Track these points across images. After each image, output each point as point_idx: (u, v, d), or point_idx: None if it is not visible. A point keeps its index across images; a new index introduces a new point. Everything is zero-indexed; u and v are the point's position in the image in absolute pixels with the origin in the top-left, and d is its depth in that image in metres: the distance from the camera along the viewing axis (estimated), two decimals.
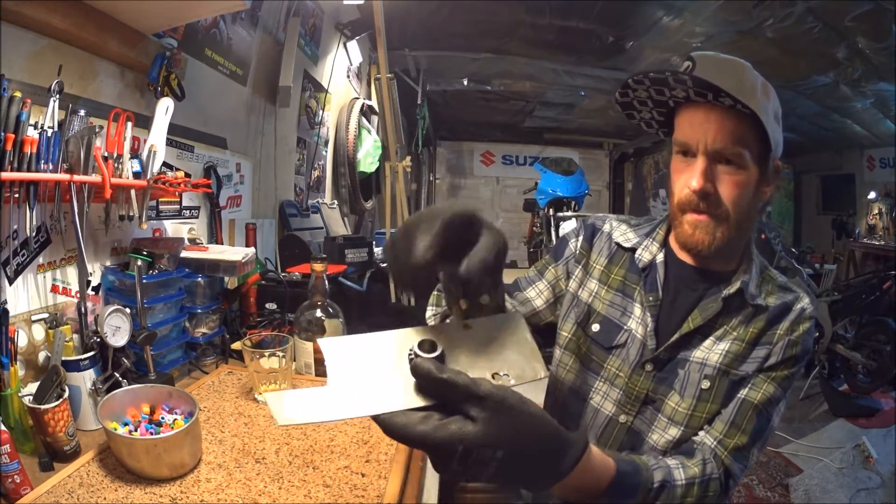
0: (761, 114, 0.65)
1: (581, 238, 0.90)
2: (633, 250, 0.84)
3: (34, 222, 0.91)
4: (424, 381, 0.39)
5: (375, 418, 0.39)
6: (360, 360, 0.41)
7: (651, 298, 0.79)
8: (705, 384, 0.74)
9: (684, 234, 0.74)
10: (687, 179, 0.71)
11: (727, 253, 0.77)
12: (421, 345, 0.41)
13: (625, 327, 0.81)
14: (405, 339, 0.42)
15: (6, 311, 0.82)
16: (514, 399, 0.41)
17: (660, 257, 0.81)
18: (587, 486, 0.53)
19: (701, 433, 0.74)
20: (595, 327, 0.83)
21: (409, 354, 0.41)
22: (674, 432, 0.75)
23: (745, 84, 0.67)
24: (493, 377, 0.43)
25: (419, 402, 0.40)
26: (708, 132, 0.69)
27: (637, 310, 0.81)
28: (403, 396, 0.40)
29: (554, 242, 4.11)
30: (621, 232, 0.87)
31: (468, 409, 0.39)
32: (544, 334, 0.91)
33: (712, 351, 0.75)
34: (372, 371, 0.41)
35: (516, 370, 0.44)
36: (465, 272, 0.43)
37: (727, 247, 0.73)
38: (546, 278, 0.92)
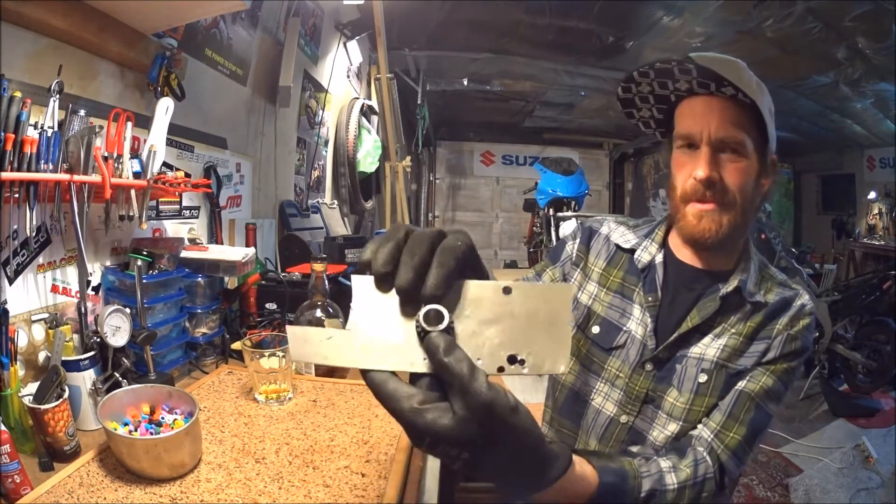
0: (759, 105, 0.67)
1: (578, 241, 0.90)
2: (632, 251, 0.84)
3: (34, 222, 0.91)
4: (430, 357, 0.38)
5: (368, 377, 0.39)
6: (384, 307, 0.39)
7: (650, 299, 0.79)
8: (702, 378, 0.74)
9: (689, 225, 0.74)
10: (692, 170, 0.72)
11: (727, 249, 0.77)
12: (427, 314, 0.38)
13: (624, 328, 0.81)
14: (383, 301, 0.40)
15: (6, 311, 0.82)
16: (502, 406, 0.38)
17: (659, 258, 0.81)
18: (568, 499, 0.50)
19: (699, 426, 0.74)
20: (595, 329, 0.83)
21: (416, 325, 0.38)
22: (673, 427, 0.76)
23: (743, 78, 0.69)
24: (509, 359, 0.39)
25: (421, 368, 0.38)
26: (711, 121, 0.70)
27: (636, 311, 0.81)
28: (409, 358, 0.38)
29: (554, 242, 4.14)
30: (620, 233, 0.87)
31: (453, 401, 0.38)
32: None
33: (710, 346, 0.75)
34: (391, 322, 0.39)
35: (537, 358, 0.39)
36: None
37: (732, 236, 0.74)
38: (543, 281, 0.92)
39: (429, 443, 0.38)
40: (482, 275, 0.42)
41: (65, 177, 0.93)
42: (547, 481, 0.45)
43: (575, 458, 0.49)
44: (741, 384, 0.74)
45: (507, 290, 0.39)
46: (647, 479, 0.63)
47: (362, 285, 0.39)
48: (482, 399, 0.37)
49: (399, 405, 0.38)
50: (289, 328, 0.40)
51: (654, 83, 0.73)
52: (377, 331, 0.39)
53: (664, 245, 0.83)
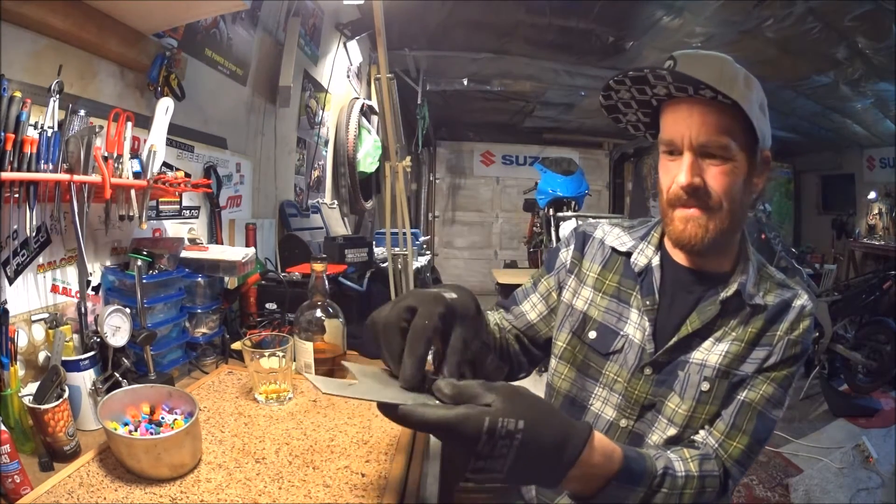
0: (743, 103, 0.65)
1: (572, 247, 0.89)
2: (628, 254, 0.84)
3: (34, 222, 0.91)
4: (442, 390, 0.49)
5: (401, 414, 0.47)
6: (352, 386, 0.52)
7: (648, 303, 0.79)
8: (705, 386, 0.74)
9: (676, 230, 0.73)
10: (674, 176, 0.71)
11: (722, 251, 0.77)
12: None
13: (621, 333, 0.80)
14: (385, 374, 0.55)
15: (6, 311, 0.82)
16: (521, 388, 0.50)
17: (655, 260, 0.80)
18: (598, 470, 0.55)
19: (702, 433, 0.74)
20: (592, 334, 0.83)
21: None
22: (672, 432, 0.75)
23: (724, 76, 0.67)
24: None
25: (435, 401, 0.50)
26: (691, 126, 0.68)
27: (634, 315, 0.80)
28: (419, 401, 0.49)
29: (554, 243, 4.14)
30: (615, 236, 0.87)
31: (485, 399, 0.48)
32: (543, 348, 0.91)
33: (712, 352, 0.75)
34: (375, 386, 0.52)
35: None
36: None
37: (721, 240, 0.73)
38: (539, 291, 0.92)
39: (487, 428, 0.45)
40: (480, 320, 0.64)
41: (65, 177, 0.93)
42: (578, 446, 0.52)
43: (595, 431, 0.55)
44: (743, 393, 0.74)
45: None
46: (661, 458, 0.66)
47: (322, 382, 0.52)
48: (506, 385, 0.50)
49: (444, 415, 0.46)
50: (309, 377, 0.52)
51: (633, 90, 0.72)
52: (377, 389, 0.51)
53: (660, 247, 0.82)
